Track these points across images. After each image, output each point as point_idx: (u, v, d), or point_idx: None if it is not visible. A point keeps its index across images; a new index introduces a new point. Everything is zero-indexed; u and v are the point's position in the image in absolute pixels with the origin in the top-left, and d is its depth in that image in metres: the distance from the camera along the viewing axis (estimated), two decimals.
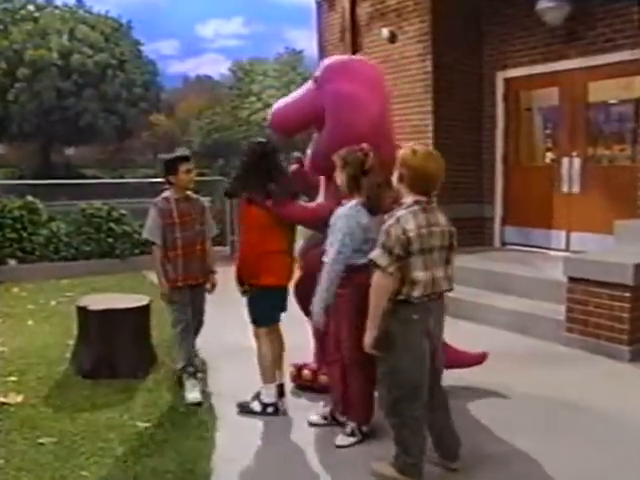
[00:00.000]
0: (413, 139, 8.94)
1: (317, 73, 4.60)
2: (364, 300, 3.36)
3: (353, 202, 3.88)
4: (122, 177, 37.45)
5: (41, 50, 39.83)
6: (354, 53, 11.11)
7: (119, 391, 4.87)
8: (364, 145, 3.93)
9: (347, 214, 3.83)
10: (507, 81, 9.12)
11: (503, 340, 6.25)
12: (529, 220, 8.93)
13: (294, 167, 4.73)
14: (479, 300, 6.98)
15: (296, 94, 4.73)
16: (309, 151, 4.68)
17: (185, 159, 4.83)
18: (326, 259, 3.86)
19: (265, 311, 4.39)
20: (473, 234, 8.94)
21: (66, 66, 40.79)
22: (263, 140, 4.43)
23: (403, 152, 3.32)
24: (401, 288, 3.22)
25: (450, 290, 3.42)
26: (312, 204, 4.54)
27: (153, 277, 9.57)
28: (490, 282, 7.31)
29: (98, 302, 5.43)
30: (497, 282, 7.27)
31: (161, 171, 4.86)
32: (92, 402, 4.66)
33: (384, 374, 3.37)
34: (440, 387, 3.53)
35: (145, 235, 4.85)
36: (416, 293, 3.22)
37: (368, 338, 3.29)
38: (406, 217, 3.19)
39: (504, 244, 9.28)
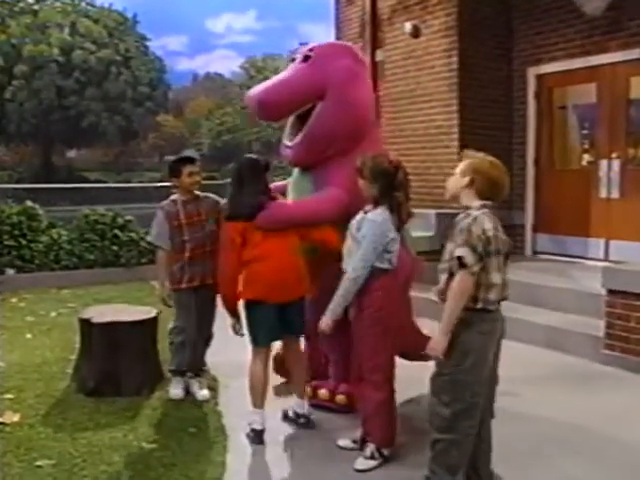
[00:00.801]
0: (437, 141, 9.00)
1: (308, 51, 4.67)
2: (386, 317, 3.42)
3: (380, 210, 3.92)
4: (127, 181, 37.78)
5: (41, 45, 40.19)
6: (374, 49, 11.13)
7: (124, 409, 4.87)
8: (393, 157, 4.03)
9: (376, 221, 3.88)
10: (539, 77, 9.09)
11: (535, 358, 6.20)
12: (563, 227, 8.87)
13: None
14: (508, 314, 6.79)
15: (282, 75, 4.68)
16: (297, 138, 4.60)
17: (189, 161, 4.98)
18: (349, 267, 3.88)
19: (255, 327, 4.31)
20: None
21: (67, 63, 41.14)
22: (254, 156, 4.46)
23: (478, 160, 3.40)
24: (477, 294, 3.25)
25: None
26: (318, 197, 4.47)
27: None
28: (521, 294, 7.26)
29: (102, 314, 5.45)
30: (528, 294, 7.22)
31: (167, 173, 5.05)
32: (95, 421, 4.67)
33: (444, 386, 3.34)
34: (492, 406, 3.54)
35: (151, 239, 5.04)
36: (492, 296, 3.27)
37: (439, 344, 3.26)
38: (482, 217, 3.27)
39: (536, 253, 9.22)
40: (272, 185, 4.65)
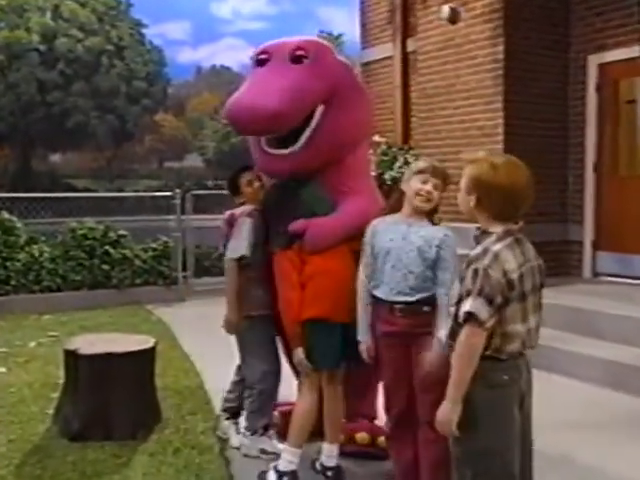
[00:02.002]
0: (479, 144, 8.96)
1: (297, 51, 4.59)
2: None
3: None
4: (121, 190, 37.90)
5: (18, 31, 40.18)
6: (405, 37, 11.20)
7: (114, 456, 4.85)
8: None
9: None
10: (602, 67, 9.04)
11: (595, 399, 6.12)
12: (630, 244, 8.79)
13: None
14: (562, 346, 6.88)
15: (276, 81, 4.50)
16: (296, 146, 4.56)
17: (244, 169, 5.14)
18: (443, 290, 3.81)
19: (315, 349, 4.33)
20: (555, 261, 8.81)
21: (49, 52, 41.31)
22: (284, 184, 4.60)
23: (476, 167, 3.15)
24: (488, 343, 3.05)
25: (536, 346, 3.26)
26: (347, 205, 4.55)
27: (159, 312, 9.91)
28: (577, 323, 7.19)
29: (90, 344, 5.45)
30: (586, 323, 7.16)
31: (230, 192, 5.22)
32: (79, 471, 4.63)
33: (463, 458, 3.16)
34: (531, 473, 3.33)
35: (234, 254, 4.86)
36: (510, 347, 3.08)
37: (448, 416, 3.06)
38: (505, 253, 3.04)
39: (596, 274, 9.15)
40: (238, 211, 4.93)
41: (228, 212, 5.12)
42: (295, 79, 4.46)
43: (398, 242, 3.92)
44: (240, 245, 4.83)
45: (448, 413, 3.02)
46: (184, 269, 11.33)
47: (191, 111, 65.69)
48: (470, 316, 2.95)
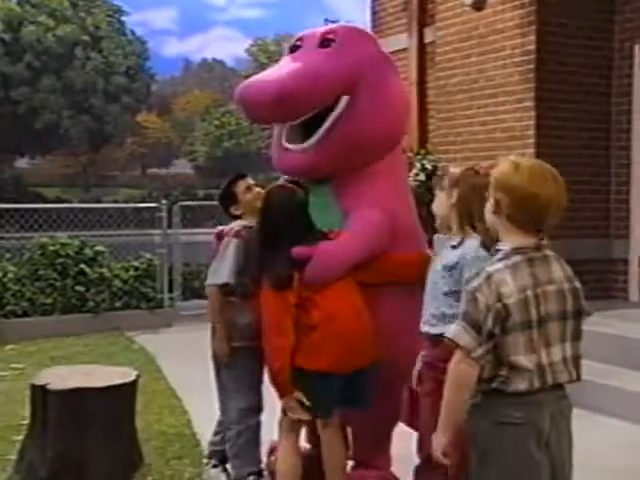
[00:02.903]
0: (506, 147, 8.92)
1: (327, 34, 4.76)
2: None
3: (475, 241, 3.89)
4: (98, 200, 37.96)
5: None
6: (422, 27, 11.19)
7: None
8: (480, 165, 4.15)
9: (480, 257, 3.78)
10: None
11: None
12: None
13: None
14: (608, 380, 6.82)
15: (295, 64, 4.66)
16: (312, 139, 4.60)
17: (240, 177, 5.21)
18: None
19: (310, 398, 4.32)
20: (596, 282, 8.75)
21: (15, 42, 41.41)
22: (288, 183, 4.51)
23: (500, 168, 3.18)
24: (495, 374, 3.06)
25: (577, 380, 3.20)
26: (359, 225, 4.51)
27: (142, 340, 9.86)
28: (623, 354, 7.13)
29: (61, 378, 5.39)
30: (634, 355, 7.10)
31: (223, 209, 5.19)
32: None
33: None
34: None
35: (216, 280, 4.93)
36: (520, 386, 3.05)
37: (437, 444, 3.15)
38: (501, 275, 3.02)
39: None
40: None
41: (219, 228, 5.15)
42: (313, 61, 4.60)
43: (434, 263, 4.05)
44: (222, 271, 4.88)
45: (436, 440, 3.14)
46: (170, 290, 11.31)
47: (179, 111, 66.03)
48: (452, 342, 3.03)
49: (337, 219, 4.54)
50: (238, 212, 5.10)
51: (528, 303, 3.01)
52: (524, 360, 3.01)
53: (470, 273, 3.70)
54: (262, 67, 53.17)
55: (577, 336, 3.16)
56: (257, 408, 4.91)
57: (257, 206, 4.96)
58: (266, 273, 4.35)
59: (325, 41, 4.70)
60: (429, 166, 10.23)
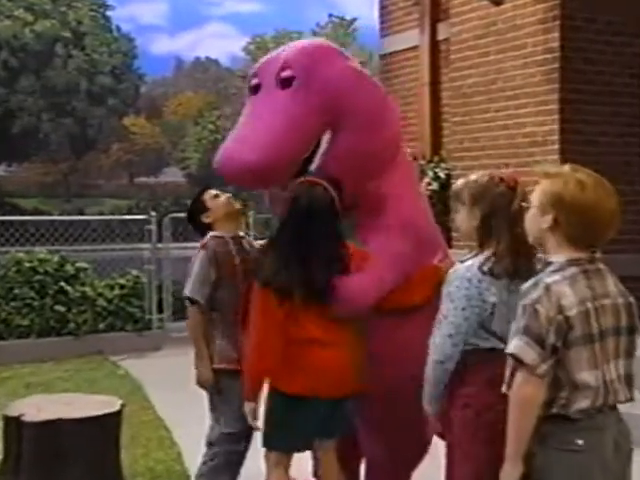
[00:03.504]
0: (527, 155, 8.89)
1: (282, 71, 4.54)
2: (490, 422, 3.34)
3: (481, 257, 3.83)
4: (81, 212, 38.05)
5: None
6: (436, 22, 11.20)
7: None
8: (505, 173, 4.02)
9: (464, 276, 3.77)
10: None
11: None
12: None
13: None
14: None
15: (261, 117, 4.54)
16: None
17: (206, 188, 5.36)
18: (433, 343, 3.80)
19: (282, 430, 4.36)
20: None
21: None
22: (319, 183, 4.38)
23: (558, 182, 3.24)
24: (555, 396, 3.10)
25: (631, 400, 3.25)
26: (384, 251, 4.49)
27: (127, 365, 9.83)
28: None
29: (38, 409, 5.35)
30: None
31: (193, 224, 5.29)
32: None
33: None
34: None
35: (188, 292, 5.11)
36: (583, 404, 3.09)
37: (511, 476, 3.14)
38: (561, 286, 3.09)
39: None
40: None
41: (202, 242, 5.22)
42: (282, 115, 4.45)
43: None
44: (187, 286, 5.07)
45: (508, 475, 3.13)
46: (160, 311, 11.33)
47: (169, 114, 66.15)
48: (516, 360, 3.07)
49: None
50: (208, 219, 5.18)
51: (589, 316, 3.10)
52: (588, 376, 3.10)
53: (445, 290, 3.75)
54: None
55: (630, 353, 3.24)
56: (242, 435, 4.94)
57: (228, 212, 5.17)
58: (297, 279, 4.27)
59: (284, 81, 4.52)
60: (443, 175, 10.23)
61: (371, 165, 4.55)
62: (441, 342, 3.74)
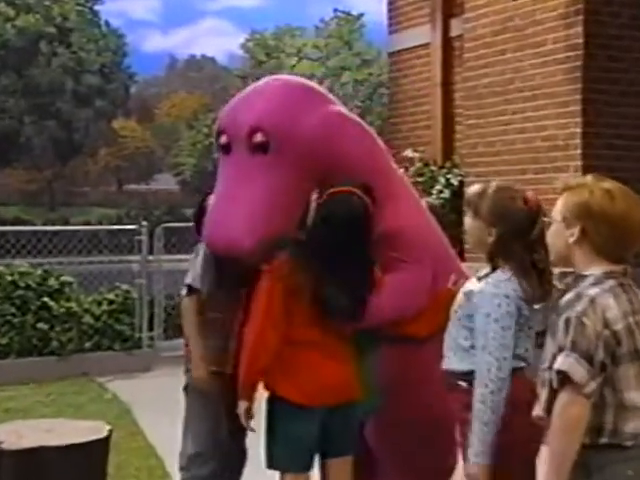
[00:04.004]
0: (547, 160, 8.88)
1: (254, 136, 4.46)
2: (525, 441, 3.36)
3: (502, 274, 3.89)
4: (66, 222, 38.06)
5: None
6: (448, 17, 11.21)
7: None
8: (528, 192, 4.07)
9: (496, 293, 3.82)
10: None
11: None
12: None
13: None
14: None
15: (236, 193, 4.55)
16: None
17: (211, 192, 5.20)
18: (479, 376, 3.79)
19: (282, 444, 4.41)
20: None
21: None
22: (354, 192, 4.41)
23: (584, 193, 3.27)
24: (600, 422, 3.10)
25: None
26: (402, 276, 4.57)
27: (115, 387, 9.81)
28: None
29: (18, 435, 5.32)
30: None
31: (196, 228, 5.25)
32: None
33: None
34: None
35: (190, 280, 5.09)
36: (632, 427, 3.10)
37: None
38: (604, 298, 3.11)
39: None
40: None
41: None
42: (262, 191, 4.44)
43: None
44: (189, 276, 5.06)
45: None
46: (150, 328, 11.29)
47: (162, 116, 66.30)
48: (563, 378, 3.04)
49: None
50: None
51: (633, 330, 3.13)
52: (637, 396, 3.12)
53: (480, 313, 3.79)
54: (260, 65, 53.48)
55: None
56: (209, 456, 4.97)
57: None
58: (328, 300, 4.35)
59: (258, 147, 4.46)
60: (455, 181, 10.23)
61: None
62: (495, 367, 3.74)
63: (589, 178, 3.33)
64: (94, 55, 45.57)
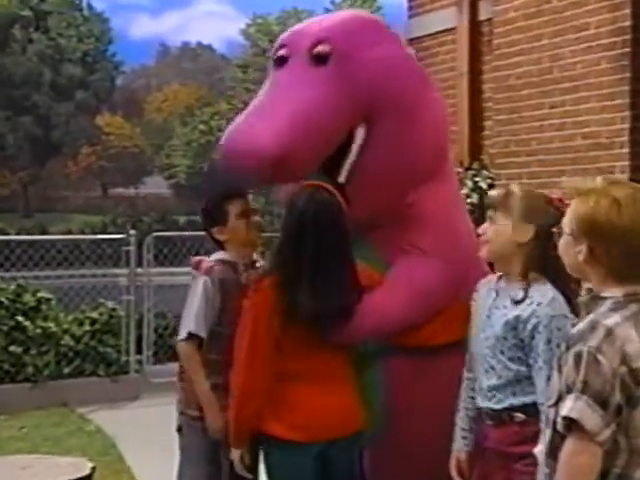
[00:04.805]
0: (590, 160, 8.87)
1: (318, 45, 4.57)
2: None
3: (547, 286, 3.93)
4: (43, 230, 38.17)
5: None
6: (476, 0, 11.21)
7: None
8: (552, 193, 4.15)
9: (562, 314, 3.85)
10: None
11: None
12: None
13: None
14: None
15: (278, 97, 4.58)
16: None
17: (239, 196, 5.19)
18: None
19: None
20: None
21: None
22: (324, 187, 4.39)
23: (589, 202, 3.16)
24: (610, 465, 3.03)
25: None
26: (413, 277, 4.55)
27: (99, 419, 9.83)
28: None
29: None
30: None
31: (205, 226, 5.27)
32: None
33: None
34: None
35: (192, 327, 5.03)
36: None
37: None
38: (624, 329, 3.02)
39: None
40: None
41: (196, 258, 5.28)
42: (312, 96, 4.47)
43: (481, 320, 4.09)
44: (188, 319, 5.01)
45: None
46: (139, 351, 11.31)
47: (152, 111, 66.44)
48: (571, 424, 2.95)
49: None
50: (221, 237, 5.15)
51: None
52: None
53: (551, 335, 3.80)
54: (263, 54, 53.53)
55: None
56: None
57: (250, 239, 5.17)
58: (306, 302, 4.29)
59: (318, 57, 4.55)
60: (484, 184, 10.18)
61: (413, 172, 4.61)
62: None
63: (599, 182, 3.24)
64: (75, 42, 45.73)
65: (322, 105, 4.43)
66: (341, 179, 4.54)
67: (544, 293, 3.90)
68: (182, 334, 5.04)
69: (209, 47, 73.23)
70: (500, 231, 4.05)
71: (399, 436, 4.56)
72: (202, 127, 56.05)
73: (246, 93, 51.83)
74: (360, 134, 4.51)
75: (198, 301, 5.00)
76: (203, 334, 4.98)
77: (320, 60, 4.52)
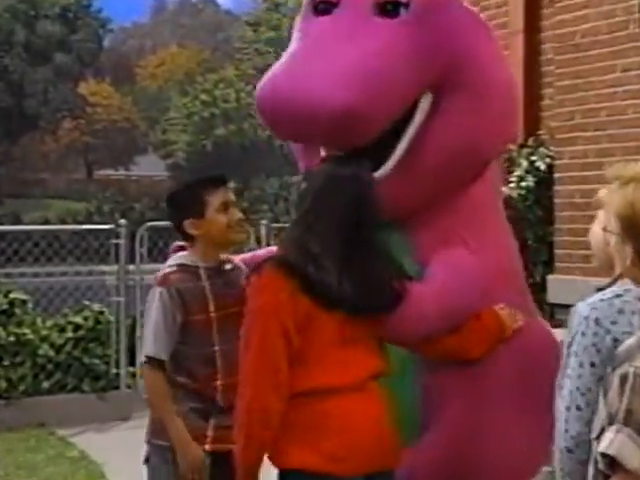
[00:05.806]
0: (626, 150, 8.84)
1: None
2: None
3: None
4: (17, 219, 38.45)
5: None
6: None
7: None
8: None
9: (587, 315, 3.70)
10: None
11: None
12: None
13: None
14: None
15: (335, 47, 4.54)
16: (386, 167, 4.60)
17: (218, 182, 5.18)
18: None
19: None
20: None
21: None
22: (349, 159, 4.41)
23: (626, 188, 3.26)
24: None
25: None
26: (456, 272, 4.56)
27: (83, 442, 9.83)
28: None
29: None
30: None
31: (171, 213, 5.25)
32: None
33: None
34: None
35: (149, 351, 5.06)
36: None
37: None
38: None
39: None
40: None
41: (177, 243, 5.40)
42: (382, 50, 4.46)
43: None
44: (146, 340, 5.07)
45: None
46: (131, 362, 11.34)
47: (146, 78, 66.62)
48: (611, 461, 2.91)
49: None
50: (195, 231, 5.08)
51: None
52: None
53: None
54: (276, 10, 53.59)
55: None
56: None
57: (227, 239, 5.15)
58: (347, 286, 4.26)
59: (388, 5, 4.58)
60: (542, 165, 10.14)
61: (476, 153, 4.66)
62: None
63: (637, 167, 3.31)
64: None
65: (395, 60, 4.44)
66: (393, 162, 4.54)
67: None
68: (142, 357, 5.12)
69: (212, 2, 73.41)
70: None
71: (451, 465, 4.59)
72: (204, 97, 56.12)
73: (258, 56, 51.88)
74: (426, 103, 4.56)
75: (155, 317, 5.00)
76: (164, 356, 4.99)
77: (389, 11, 4.56)
